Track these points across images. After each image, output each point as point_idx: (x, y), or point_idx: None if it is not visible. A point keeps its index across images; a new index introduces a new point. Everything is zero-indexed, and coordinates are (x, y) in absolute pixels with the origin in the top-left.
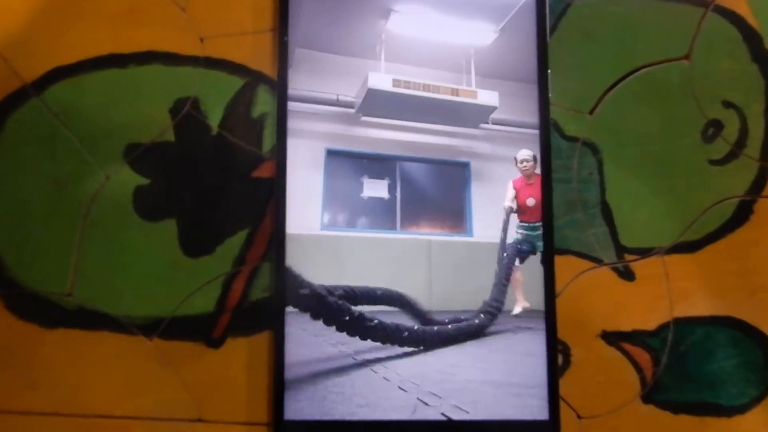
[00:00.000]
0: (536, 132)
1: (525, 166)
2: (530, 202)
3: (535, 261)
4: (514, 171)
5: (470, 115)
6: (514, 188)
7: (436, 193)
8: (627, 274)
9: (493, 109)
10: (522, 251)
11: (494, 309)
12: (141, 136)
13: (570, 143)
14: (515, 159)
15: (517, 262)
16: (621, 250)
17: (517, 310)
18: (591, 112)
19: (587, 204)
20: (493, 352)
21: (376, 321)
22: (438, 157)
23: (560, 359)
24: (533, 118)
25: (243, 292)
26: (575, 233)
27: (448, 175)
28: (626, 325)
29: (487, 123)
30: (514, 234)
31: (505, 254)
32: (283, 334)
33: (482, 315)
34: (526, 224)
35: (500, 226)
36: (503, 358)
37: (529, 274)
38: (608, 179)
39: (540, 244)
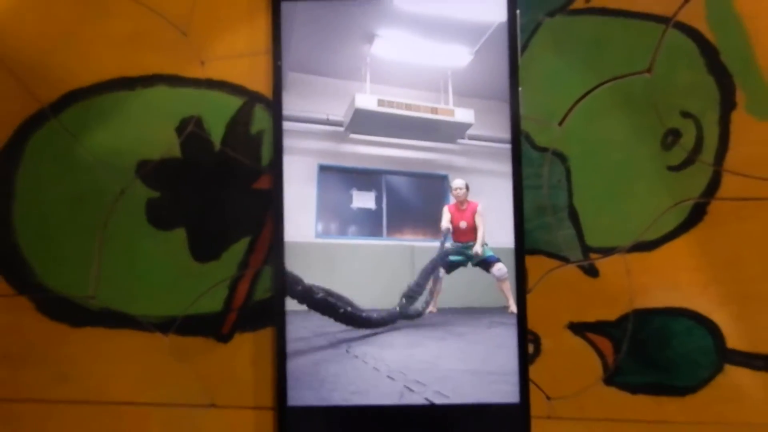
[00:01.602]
0: (509, 146)
1: (458, 194)
2: (462, 225)
3: (477, 271)
4: (488, 183)
5: (448, 132)
6: (449, 212)
7: (418, 204)
8: (592, 271)
9: (469, 125)
10: (450, 262)
11: (414, 293)
12: (150, 153)
13: (541, 153)
14: (450, 186)
15: (442, 273)
16: (586, 249)
17: (428, 311)
18: (560, 123)
19: (556, 208)
20: (471, 344)
21: (342, 309)
22: (419, 171)
23: (531, 348)
24: (507, 133)
25: (248, 293)
26: (545, 235)
27: (428, 186)
28: (591, 317)
29: (464, 138)
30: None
31: (429, 262)
32: (285, 330)
33: (404, 300)
34: (460, 243)
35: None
36: (481, 349)
37: (453, 283)
38: (575, 185)
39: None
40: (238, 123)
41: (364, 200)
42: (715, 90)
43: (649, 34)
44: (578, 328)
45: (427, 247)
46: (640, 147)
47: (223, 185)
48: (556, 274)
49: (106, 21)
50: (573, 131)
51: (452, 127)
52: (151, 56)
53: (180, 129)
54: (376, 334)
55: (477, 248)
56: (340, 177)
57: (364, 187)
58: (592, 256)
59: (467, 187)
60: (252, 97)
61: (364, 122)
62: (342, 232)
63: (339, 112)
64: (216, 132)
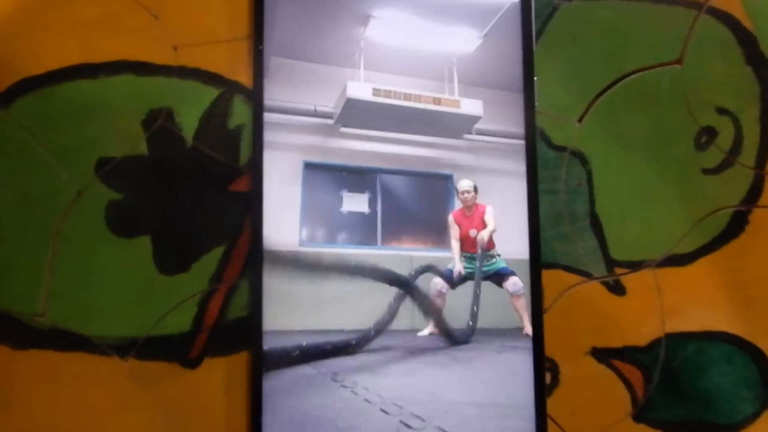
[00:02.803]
0: (522, 142)
1: (465, 198)
2: (472, 233)
3: (489, 285)
4: (499, 184)
5: (453, 125)
6: (456, 223)
7: (419, 207)
8: (617, 288)
9: (477, 118)
10: (453, 277)
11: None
12: (113, 149)
13: (557, 153)
14: (456, 190)
15: (445, 288)
16: (611, 263)
17: (424, 332)
18: (580, 120)
19: (576, 216)
20: (478, 371)
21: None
22: (420, 170)
23: (548, 377)
24: (519, 127)
25: (220, 311)
26: (563, 246)
27: (430, 188)
28: (617, 341)
29: (471, 133)
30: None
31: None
32: (261, 354)
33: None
34: (468, 254)
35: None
36: (489, 377)
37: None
38: (597, 190)
39: (488, 269)
40: (214, 116)
41: (356, 203)
42: (755, 83)
43: (678, 21)
44: (602, 355)
45: (428, 257)
46: (671, 147)
47: (195, 187)
48: (576, 291)
49: (71, 3)
50: (594, 129)
51: (458, 120)
52: (117, 41)
53: (147, 122)
54: (367, 359)
55: (484, 234)
56: (328, 176)
57: (356, 188)
58: (618, 270)
59: (476, 190)
60: (230, 87)
61: (356, 114)
62: (330, 240)
63: (328, 103)
64: (188, 126)
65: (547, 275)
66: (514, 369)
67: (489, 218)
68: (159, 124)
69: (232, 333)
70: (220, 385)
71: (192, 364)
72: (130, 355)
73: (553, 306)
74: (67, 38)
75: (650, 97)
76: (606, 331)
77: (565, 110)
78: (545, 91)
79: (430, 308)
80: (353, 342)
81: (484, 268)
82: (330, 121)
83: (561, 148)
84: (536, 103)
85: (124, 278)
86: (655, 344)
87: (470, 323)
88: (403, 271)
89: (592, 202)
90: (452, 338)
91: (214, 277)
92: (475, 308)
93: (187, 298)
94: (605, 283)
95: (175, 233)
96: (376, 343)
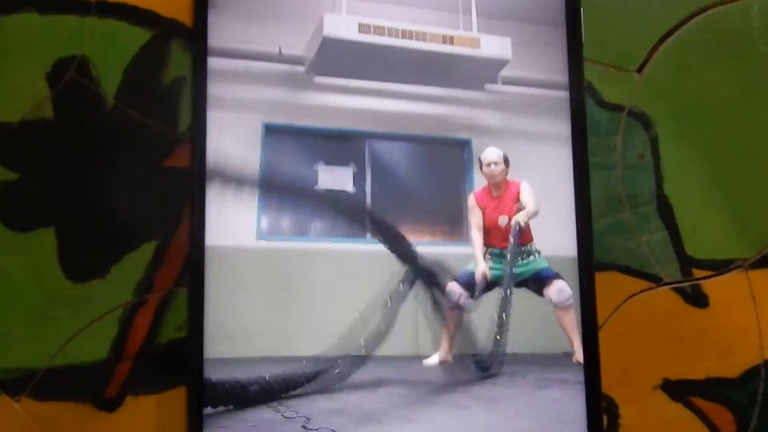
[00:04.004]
0: (564, 95)
1: (492, 171)
2: (502, 221)
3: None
4: (534, 153)
5: (471, 73)
6: (479, 207)
7: (424, 185)
8: (697, 298)
9: (503, 63)
10: (476, 283)
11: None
12: (6, 112)
13: (611, 113)
14: (479, 161)
15: (463, 297)
16: (687, 263)
17: (432, 360)
18: (639, 70)
19: (637, 199)
20: (509, 419)
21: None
22: (425, 134)
23: (605, 421)
24: (560, 75)
25: (149, 332)
26: (621, 241)
27: (440, 158)
28: (697, 372)
29: (496, 83)
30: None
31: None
32: (203, 390)
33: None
34: (496, 250)
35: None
36: (524, 426)
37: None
38: (666, 164)
39: (523, 271)
40: (144, 67)
41: (336, 179)
42: None
43: None
44: (678, 390)
45: (436, 254)
46: (764, 107)
47: (117, 162)
48: (640, 301)
49: None
50: (659, 82)
51: (477, 64)
52: None
53: (53, 76)
54: (353, 398)
55: (521, 217)
56: (298, 144)
57: (336, 159)
58: (697, 273)
59: (506, 161)
60: (165, 28)
61: (336, 59)
62: (300, 231)
63: (298, 44)
64: (109, 80)
65: (600, 280)
66: (558, 413)
67: (527, 198)
68: (69, 77)
69: (164, 362)
70: None
71: (110, 405)
72: (24, 395)
73: (608, 321)
74: None
75: (734, 40)
76: (682, 357)
77: (619, 57)
78: (593, 32)
79: (442, 323)
80: (335, 370)
81: (518, 270)
82: (300, 69)
83: (616, 108)
84: (583, 45)
85: (17, 287)
86: (751, 375)
87: (497, 345)
88: (400, 272)
89: (659, 180)
90: (474, 368)
91: (142, 284)
92: (502, 324)
93: (103, 314)
94: (680, 291)
95: (89, 225)
96: (367, 373)
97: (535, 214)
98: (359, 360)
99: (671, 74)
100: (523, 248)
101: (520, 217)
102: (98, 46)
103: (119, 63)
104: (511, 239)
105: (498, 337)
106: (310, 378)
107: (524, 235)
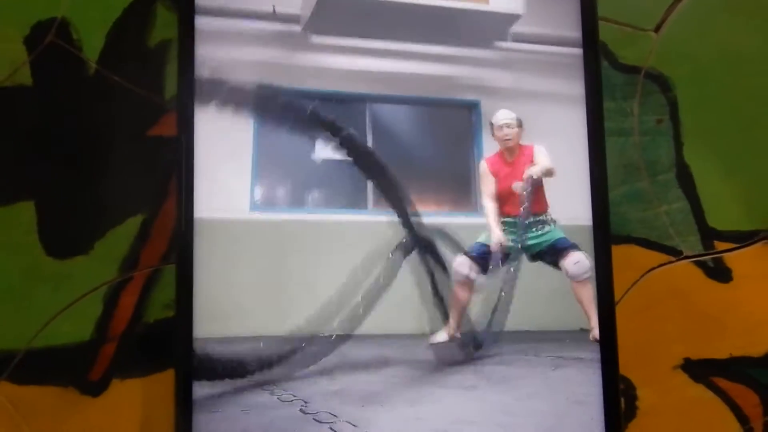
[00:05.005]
0: (578, 52)
1: (505, 135)
2: (517, 187)
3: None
4: (546, 115)
5: (479, 29)
6: (492, 173)
7: (430, 151)
8: (719, 272)
9: (514, 18)
10: (491, 254)
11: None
12: None
13: (627, 75)
14: (491, 125)
15: (474, 272)
16: (709, 235)
17: (439, 338)
18: (657, 30)
19: (655, 167)
20: (522, 400)
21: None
22: (431, 96)
23: (622, 403)
24: (575, 31)
25: (135, 311)
26: (638, 212)
27: (447, 122)
28: (719, 351)
29: (506, 40)
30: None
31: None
32: (192, 372)
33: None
34: (511, 219)
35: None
36: (538, 408)
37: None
38: (687, 129)
39: (538, 242)
40: (128, 29)
41: (335, 147)
42: None
43: None
44: (699, 370)
45: (444, 224)
46: None
47: (100, 131)
48: (659, 275)
49: None
50: (678, 41)
51: (485, 20)
52: None
53: (32, 39)
54: (354, 378)
55: (533, 170)
56: (293, 108)
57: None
58: (719, 246)
59: (519, 124)
60: None
61: (335, 16)
62: (297, 202)
63: (294, 1)
64: (91, 44)
65: (617, 253)
66: (573, 394)
67: (542, 158)
68: (49, 41)
69: (151, 343)
70: (134, 419)
71: (94, 389)
72: (2, 378)
73: (625, 298)
74: None
75: None
76: (704, 335)
77: (636, 15)
78: None
79: (450, 299)
80: (332, 338)
81: (531, 240)
82: (296, 28)
83: (632, 69)
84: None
85: None
86: None
87: (489, 322)
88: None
89: (678, 146)
90: (467, 346)
91: (127, 260)
92: (499, 300)
93: (86, 293)
94: (701, 264)
95: (71, 198)
96: (368, 350)
97: (550, 171)
98: (361, 310)
99: (691, 33)
100: (537, 217)
101: (533, 170)
102: (79, 7)
103: (102, 25)
104: (524, 193)
105: (493, 313)
106: (308, 353)
107: (539, 202)
